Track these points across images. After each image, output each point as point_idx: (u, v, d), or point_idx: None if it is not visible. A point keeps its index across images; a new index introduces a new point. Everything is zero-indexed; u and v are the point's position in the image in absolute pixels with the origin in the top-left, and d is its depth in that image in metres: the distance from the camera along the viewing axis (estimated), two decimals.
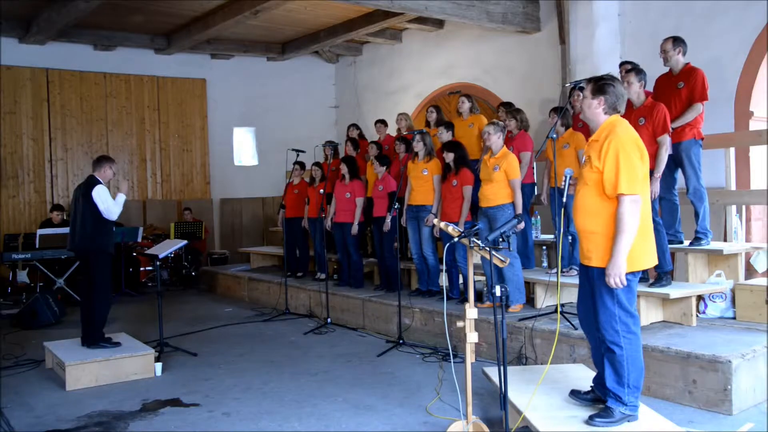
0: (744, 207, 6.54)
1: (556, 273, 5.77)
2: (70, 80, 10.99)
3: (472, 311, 3.65)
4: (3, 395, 4.97)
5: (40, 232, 8.77)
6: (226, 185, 12.44)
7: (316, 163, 8.59)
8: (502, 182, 5.76)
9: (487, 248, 3.60)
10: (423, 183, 6.73)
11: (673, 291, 5.16)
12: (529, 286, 6.13)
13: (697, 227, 5.69)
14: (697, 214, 5.68)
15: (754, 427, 3.95)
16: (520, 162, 6.15)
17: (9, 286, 9.40)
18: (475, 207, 6.45)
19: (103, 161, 5.91)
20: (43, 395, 5.06)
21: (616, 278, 3.45)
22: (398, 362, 5.71)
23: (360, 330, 7.05)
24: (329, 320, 7.23)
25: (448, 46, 10.70)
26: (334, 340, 6.67)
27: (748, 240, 6.62)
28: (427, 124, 7.71)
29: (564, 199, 3.88)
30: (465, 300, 4.05)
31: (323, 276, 8.04)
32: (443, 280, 6.57)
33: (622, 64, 6.11)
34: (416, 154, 6.79)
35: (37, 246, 8.64)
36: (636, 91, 5.31)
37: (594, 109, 3.66)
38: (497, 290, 3.46)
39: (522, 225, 6.19)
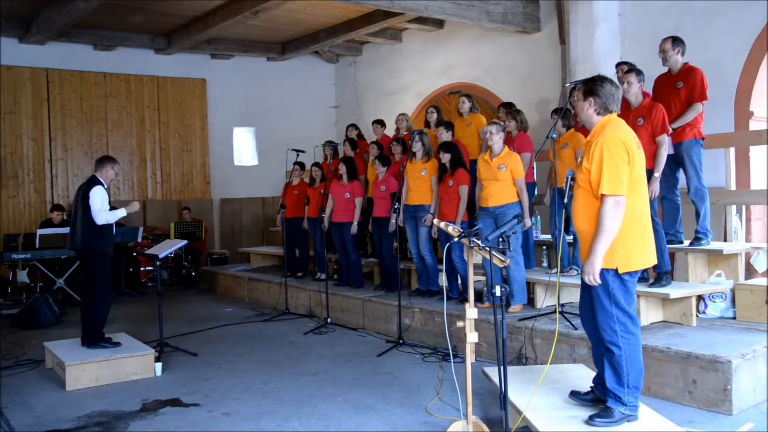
0: (744, 207, 6.54)
1: (556, 273, 5.77)
2: (70, 80, 10.99)
3: (472, 311, 3.65)
4: (3, 395, 4.97)
5: (40, 232, 8.76)
6: (226, 185, 12.44)
7: (316, 164, 8.59)
8: (509, 181, 5.79)
9: (487, 248, 3.60)
10: (421, 183, 6.73)
11: (673, 291, 5.16)
12: (529, 286, 6.14)
13: (698, 227, 5.69)
14: (698, 214, 5.68)
15: (754, 427, 3.95)
16: None
17: (9, 286, 9.40)
18: (472, 207, 6.46)
19: (105, 162, 5.89)
20: (43, 395, 5.06)
21: (590, 276, 3.48)
22: (398, 362, 5.71)
23: (360, 330, 7.05)
24: (329, 320, 7.23)
25: (448, 46, 10.70)
26: (334, 340, 6.67)
27: (748, 240, 6.62)
28: (427, 124, 7.71)
29: (565, 200, 3.88)
30: (465, 300, 4.05)
31: (323, 276, 8.04)
32: (443, 280, 6.57)
33: (618, 65, 6.12)
34: (414, 154, 6.79)
35: (37, 246, 8.64)
36: (635, 91, 5.31)
37: (586, 111, 3.67)
38: (497, 290, 3.46)
39: (529, 223, 6.19)
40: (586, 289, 3.76)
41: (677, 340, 4.67)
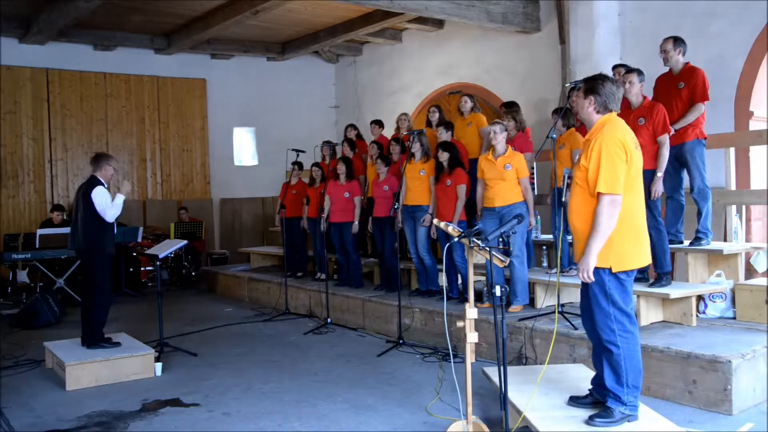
0: (744, 207, 6.54)
1: (556, 273, 5.77)
2: (70, 80, 10.99)
3: (472, 311, 3.65)
4: (3, 395, 4.97)
5: (40, 232, 8.76)
6: (226, 185, 12.44)
7: (316, 164, 8.59)
8: (514, 181, 5.81)
9: (487, 248, 3.60)
10: (419, 183, 6.73)
11: (673, 291, 5.16)
12: (530, 286, 6.13)
13: (699, 227, 5.69)
14: (699, 213, 5.68)
15: (754, 427, 3.95)
16: None
17: (9, 286, 9.40)
18: (470, 206, 6.46)
19: (102, 160, 5.84)
20: (43, 395, 5.06)
21: (584, 273, 3.49)
22: (398, 362, 5.71)
23: (360, 330, 7.05)
24: (329, 320, 7.23)
25: (448, 46, 10.70)
26: (334, 340, 6.67)
27: (748, 240, 6.62)
28: (429, 123, 7.70)
29: (563, 198, 3.88)
30: (465, 300, 4.05)
31: (323, 276, 8.04)
32: (443, 280, 6.57)
33: (615, 67, 6.11)
34: (413, 154, 6.79)
35: (37, 246, 8.63)
36: (637, 91, 5.32)
37: (586, 109, 3.67)
38: (497, 290, 3.46)
39: (534, 222, 6.19)
40: (585, 289, 3.76)
41: (677, 340, 4.67)
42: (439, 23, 10.50)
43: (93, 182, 5.73)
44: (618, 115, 3.72)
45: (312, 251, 8.83)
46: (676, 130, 5.46)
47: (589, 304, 3.68)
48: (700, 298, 5.49)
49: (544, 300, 5.91)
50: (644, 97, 5.39)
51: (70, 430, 4.31)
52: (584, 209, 3.57)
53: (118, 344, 5.72)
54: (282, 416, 4.43)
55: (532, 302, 6.07)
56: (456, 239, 3.80)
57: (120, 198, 5.76)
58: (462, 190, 6.34)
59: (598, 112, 3.64)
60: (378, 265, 7.74)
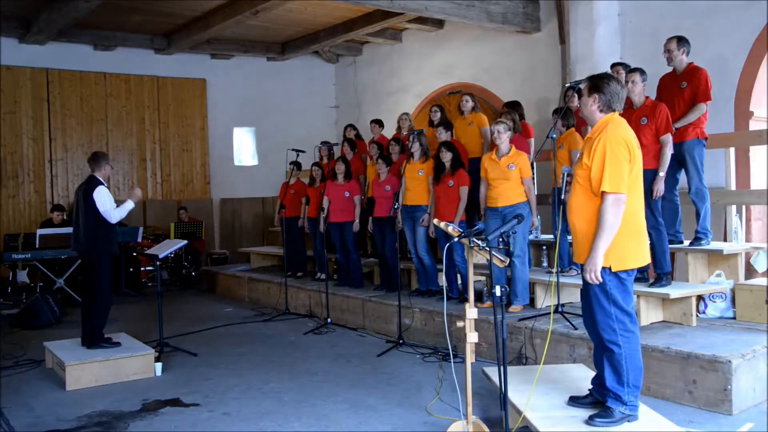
0: (744, 207, 6.54)
1: (556, 273, 5.78)
2: (70, 80, 10.99)
3: (472, 311, 3.65)
4: (3, 395, 4.97)
5: (40, 232, 8.76)
6: (226, 185, 12.44)
7: (316, 163, 8.59)
8: (518, 181, 5.80)
9: (487, 248, 3.60)
10: (418, 183, 6.73)
11: (673, 291, 5.16)
12: (529, 286, 6.13)
13: (698, 227, 5.69)
14: (698, 214, 5.68)
15: (754, 427, 3.95)
16: None
17: (9, 286, 9.40)
18: (469, 207, 6.45)
19: (101, 160, 5.84)
20: (43, 395, 5.06)
21: (591, 274, 3.48)
22: (398, 362, 5.71)
23: (360, 330, 7.05)
24: (329, 320, 7.23)
25: (448, 46, 10.70)
26: (334, 340, 6.67)
27: (748, 240, 6.62)
28: (431, 123, 7.70)
29: (563, 197, 3.88)
30: (465, 300, 4.05)
31: (323, 276, 8.04)
32: (443, 280, 6.57)
33: (613, 66, 6.11)
34: (411, 154, 6.78)
35: (37, 246, 8.63)
36: (639, 90, 5.31)
37: (590, 107, 3.66)
38: (497, 290, 3.46)
39: (537, 222, 6.18)
40: (586, 289, 3.76)
41: (677, 340, 4.67)
42: (439, 23, 10.50)
43: (93, 182, 5.73)
44: (620, 114, 3.72)
45: (312, 251, 8.83)
46: (676, 129, 5.46)
47: (590, 303, 3.68)
48: (700, 298, 5.49)
49: (544, 300, 5.91)
50: (647, 97, 5.39)
51: (70, 430, 4.31)
52: (585, 208, 3.57)
53: (118, 344, 5.72)
54: (282, 416, 4.43)
55: (532, 302, 6.07)
56: (456, 239, 3.80)
57: (129, 205, 5.77)
58: (465, 191, 6.34)
59: (601, 111, 3.64)
60: (378, 265, 7.74)
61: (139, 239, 9.90)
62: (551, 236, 7.03)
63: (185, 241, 6.88)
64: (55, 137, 10.86)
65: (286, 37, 11.87)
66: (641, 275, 5.44)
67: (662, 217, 5.42)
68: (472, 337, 3.65)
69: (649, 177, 4.99)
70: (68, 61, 10.88)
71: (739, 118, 6.96)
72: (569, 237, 6.09)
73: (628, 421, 3.58)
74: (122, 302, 8.87)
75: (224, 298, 9.71)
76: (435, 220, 4.36)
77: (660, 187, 5.19)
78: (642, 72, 5.34)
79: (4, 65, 10.27)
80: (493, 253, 3.62)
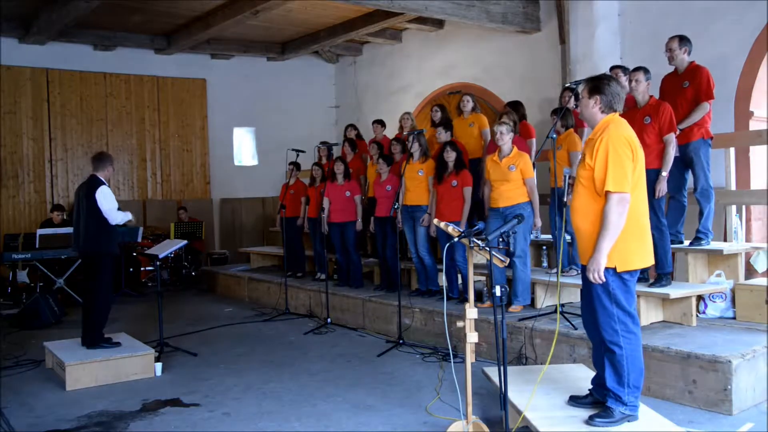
0: (744, 207, 6.54)
1: (556, 273, 5.77)
2: (70, 80, 10.98)
3: (472, 311, 3.65)
4: (3, 395, 4.97)
5: (40, 232, 8.76)
6: (226, 185, 12.43)
7: (317, 163, 8.59)
8: (519, 182, 5.79)
9: (487, 248, 3.59)
10: (418, 184, 6.73)
11: (673, 291, 5.16)
12: (530, 286, 6.13)
13: (700, 227, 5.69)
14: (701, 213, 5.67)
15: (754, 427, 3.95)
16: None
17: (9, 286, 9.39)
18: (473, 207, 6.44)
19: (106, 160, 5.87)
20: (43, 395, 5.06)
21: (595, 273, 3.48)
22: (398, 362, 5.71)
23: (360, 330, 7.05)
24: (329, 320, 7.23)
25: (448, 46, 10.70)
26: (334, 340, 6.67)
27: (748, 240, 6.61)
28: (433, 123, 7.70)
29: (565, 199, 3.88)
30: (465, 300, 4.05)
31: (323, 276, 8.04)
32: (443, 280, 6.56)
33: (612, 68, 6.09)
34: (411, 154, 6.78)
35: (37, 246, 8.63)
36: (643, 89, 5.30)
37: (591, 108, 3.66)
38: (497, 290, 3.46)
39: (540, 222, 6.17)
40: (587, 289, 3.76)
41: (677, 340, 4.67)
42: (439, 23, 10.49)
43: (95, 182, 5.73)
44: (622, 114, 3.71)
45: (311, 251, 8.83)
46: (681, 130, 5.44)
47: (591, 303, 3.68)
48: (700, 298, 5.49)
49: (544, 300, 5.91)
50: (650, 96, 5.38)
51: (70, 430, 4.31)
52: (588, 209, 3.57)
53: (118, 344, 5.72)
54: (282, 416, 4.43)
55: (532, 302, 6.07)
56: (456, 239, 3.80)
57: (129, 215, 5.81)
58: (469, 192, 6.34)
59: (602, 112, 3.64)
60: (378, 265, 7.74)
61: (139, 239, 9.90)
62: (551, 236, 7.03)
63: (185, 241, 6.89)
64: (55, 137, 10.86)
65: (286, 37, 11.86)
66: (642, 275, 5.43)
67: (667, 216, 5.42)
68: (472, 337, 3.65)
69: (652, 177, 4.99)
70: (68, 61, 10.87)
71: (739, 118, 6.96)
72: (567, 237, 6.10)
73: (628, 421, 3.58)
74: (122, 302, 8.87)
75: (224, 298, 9.71)
76: (435, 220, 4.36)
77: (662, 187, 5.18)
78: (646, 71, 5.32)
79: (4, 65, 10.27)
80: (493, 253, 3.62)
